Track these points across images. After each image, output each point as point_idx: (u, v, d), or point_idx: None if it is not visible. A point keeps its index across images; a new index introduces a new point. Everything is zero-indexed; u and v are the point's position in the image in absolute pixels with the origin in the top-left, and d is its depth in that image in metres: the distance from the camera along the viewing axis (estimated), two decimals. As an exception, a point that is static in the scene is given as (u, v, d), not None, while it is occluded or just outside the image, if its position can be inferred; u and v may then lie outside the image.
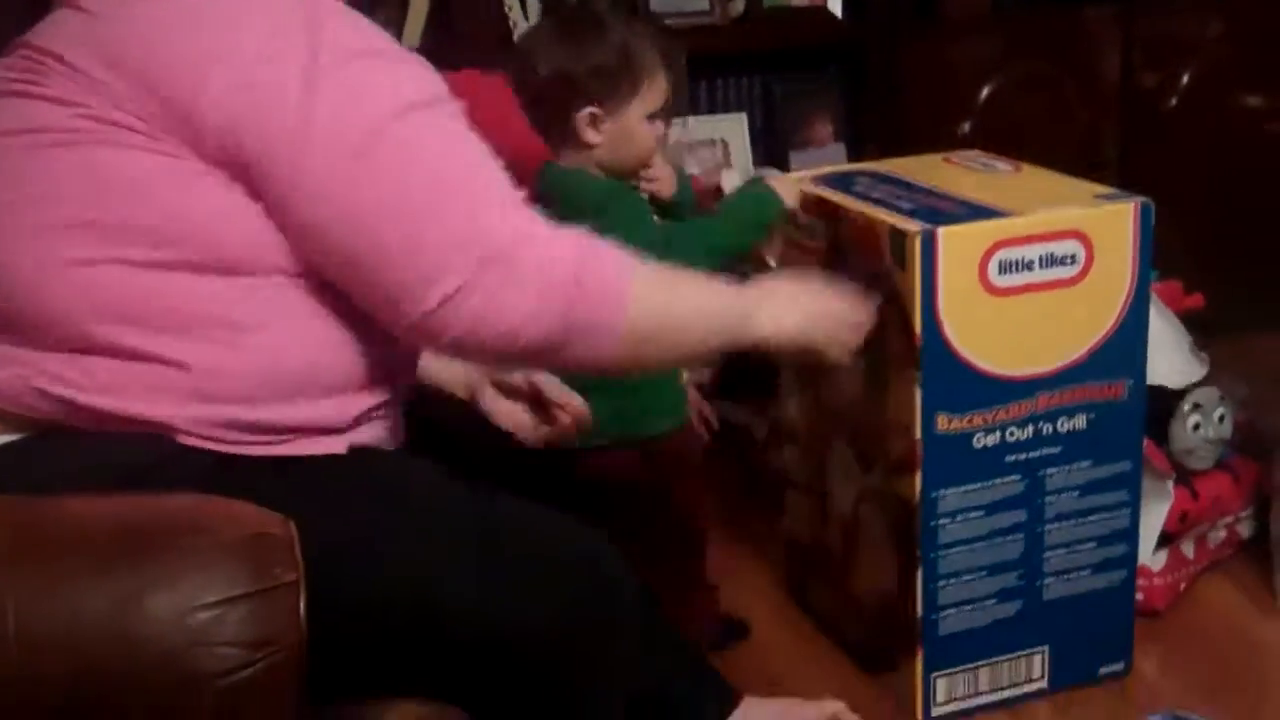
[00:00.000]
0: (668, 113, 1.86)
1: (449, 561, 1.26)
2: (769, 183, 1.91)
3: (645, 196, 1.90)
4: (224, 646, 1.04)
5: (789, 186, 1.91)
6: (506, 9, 2.91)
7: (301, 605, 1.08)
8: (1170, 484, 2.15)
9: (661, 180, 1.92)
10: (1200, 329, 2.37)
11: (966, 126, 3.04)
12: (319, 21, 1.28)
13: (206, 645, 1.03)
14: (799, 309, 1.57)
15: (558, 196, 1.76)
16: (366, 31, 1.34)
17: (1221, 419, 2.34)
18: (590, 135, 1.81)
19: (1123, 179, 2.56)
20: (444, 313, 1.28)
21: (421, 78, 1.34)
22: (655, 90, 1.82)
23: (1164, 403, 2.23)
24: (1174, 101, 3.18)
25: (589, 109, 1.80)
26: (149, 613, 1.02)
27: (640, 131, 1.83)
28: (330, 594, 1.13)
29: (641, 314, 1.37)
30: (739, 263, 1.92)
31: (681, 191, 1.96)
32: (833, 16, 3.11)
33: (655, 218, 1.89)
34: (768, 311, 1.53)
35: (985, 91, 3.08)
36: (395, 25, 2.92)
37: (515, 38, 2.93)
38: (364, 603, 1.22)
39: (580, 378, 1.68)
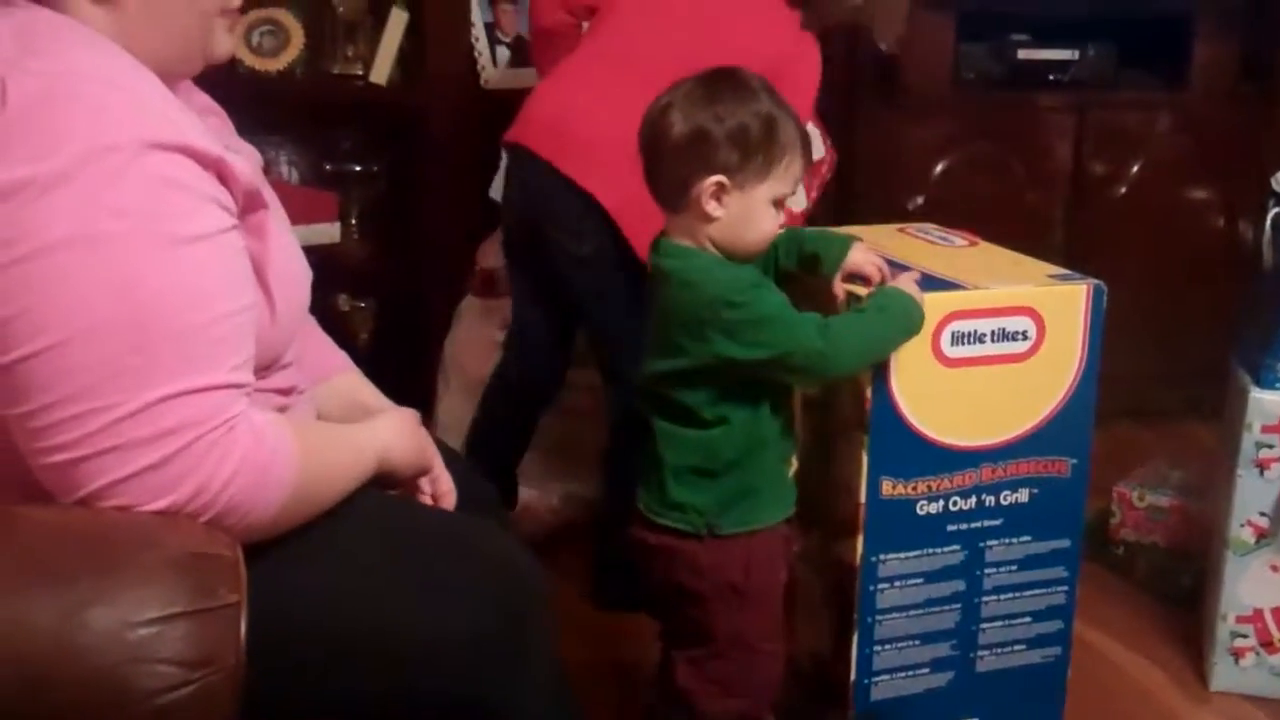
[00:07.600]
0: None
1: (359, 576, 1.26)
2: (909, 292, 1.72)
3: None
4: (162, 664, 1.02)
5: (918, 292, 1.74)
6: (476, 54, 2.94)
7: (243, 627, 1.07)
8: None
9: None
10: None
11: (919, 200, 3.10)
12: None
13: (145, 662, 1.02)
14: (406, 440, 1.48)
15: (676, 282, 1.65)
16: None
17: None
18: (711, 206, 1.61)
19: (1068, 262, 2.60)
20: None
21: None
22: (789, 175, 1.64)
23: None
24: (1122, 190, 3.25)
25: (716, 177, 1.60)
26: (91, 626, 1.01)
27: (764, 215, 1.63)
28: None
29: (298, 486, 1.24)
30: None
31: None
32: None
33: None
34: (385, 452, 1.43)
35: (938, 169, 3.15)
36: (364, 63, 2.94)
37: (482, 80, 2.96)
38: (280, 626, 1.19)
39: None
